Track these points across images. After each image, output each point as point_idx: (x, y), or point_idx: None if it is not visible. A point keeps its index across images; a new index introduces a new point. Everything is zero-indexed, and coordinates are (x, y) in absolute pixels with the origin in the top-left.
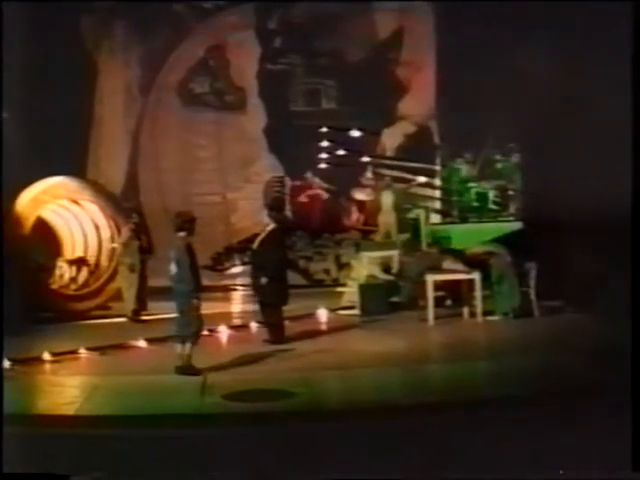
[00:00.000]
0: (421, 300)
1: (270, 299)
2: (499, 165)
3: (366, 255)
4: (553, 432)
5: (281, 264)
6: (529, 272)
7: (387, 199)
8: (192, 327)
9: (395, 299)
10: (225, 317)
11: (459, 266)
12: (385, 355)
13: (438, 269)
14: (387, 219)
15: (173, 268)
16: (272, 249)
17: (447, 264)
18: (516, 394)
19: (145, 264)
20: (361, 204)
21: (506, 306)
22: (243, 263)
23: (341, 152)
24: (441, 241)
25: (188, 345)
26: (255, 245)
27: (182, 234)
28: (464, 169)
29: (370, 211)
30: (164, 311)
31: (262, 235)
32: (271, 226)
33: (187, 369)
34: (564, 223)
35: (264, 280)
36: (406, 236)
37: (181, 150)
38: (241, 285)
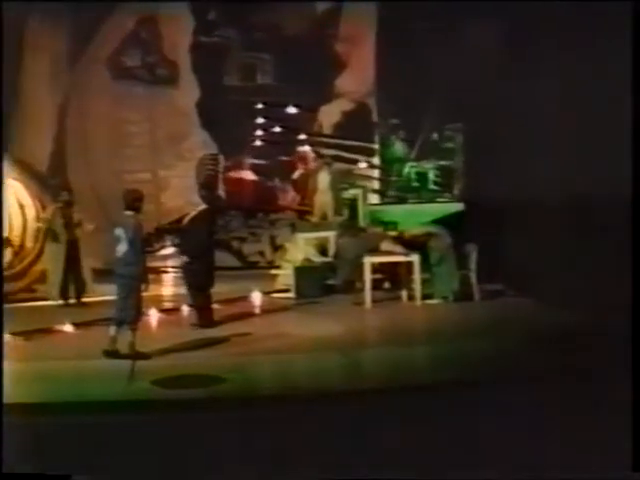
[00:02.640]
0: (358, 283)
1: (197, 281)
2: (440, 145)
3: (302, 236)
4: (489, 417)
5: (209, 245)
6: (470, 254)
7: (324, 178)
8: (132, 311)
9: (331, 282)
10: (156, 300)
11: (397, 248)
12: (320, 339)
13: (376, 251)
14: (324, 199)
15: (122, 248)
16: (200, 230)
17: (385, 246)
18: (455, 379)
19: (77, 244)
20: (297, 183)
21: (446, 289)
22: (174, 244)
23: (277, 129)
24: (379, 222)
25: (129, 331)
26: (183, 225)
27: (131, 213)
28: (403, 148)
29: (306, 191)
30: (95, 294)
31: (191, 215)
32: (201, 206)
33: (133, 355)
34: (506, 205)
35: (188, 261)
36: (343, 217)
37: (110, 125)
38: (172, 267)
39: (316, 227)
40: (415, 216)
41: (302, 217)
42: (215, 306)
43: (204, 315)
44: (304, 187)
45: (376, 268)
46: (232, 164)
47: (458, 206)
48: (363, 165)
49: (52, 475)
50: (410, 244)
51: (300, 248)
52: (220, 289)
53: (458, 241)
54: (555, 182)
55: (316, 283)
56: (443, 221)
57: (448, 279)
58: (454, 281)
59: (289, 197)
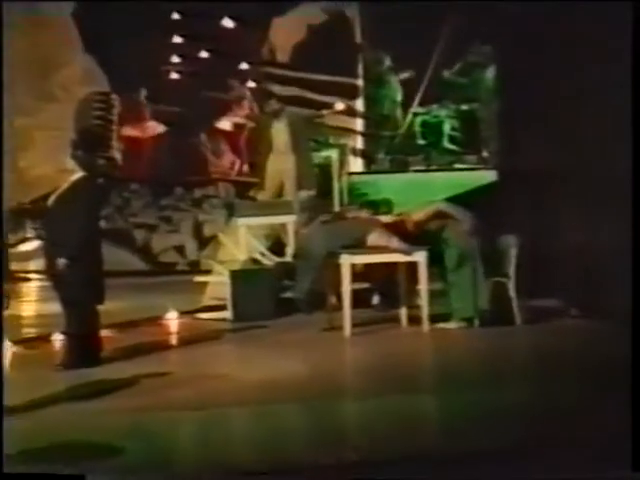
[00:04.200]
0: (331, 296)
1: (74, 294)
2: (460, 80)
3: (244, 223)
4: None
5: (92, 237)
6: (507, 252)
7: (279, 133)
8: None
9: (290, 294)
10: (11, 325)
11: (393, 241)
12: (271, 386)
13: (359, 246)
14: (278, 165)
15: None
16: (77, 212)
17: (374, 238)
18: (478, 448)
19: None
20: (236, 140)
21: (469, 307)
22: (38, 235)
23: (203, 54)
24: (366, 201)
25: None
26: (50, 206)
27: None
28: (403, 85)
29: (251, 152)
30: None
31: (62, 189)
32: (77, 174)
33: None
34: (564, 175)
35: (62, 263)
36: (309, 193)
37: None
38: (36, 272)
39: (267, 209)
40: (421, 191)
41: (244, 193)
42: (106, 333)
43: (87, 347)
44: (247, 146)
45: (360, 273)
46: (133, 109)
47: (489, 176)
48: (340, 109)
49: (65, 475)
50: (413, 235)
51: (241, 242)
52: (114, 306)
53: (489, 231)
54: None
55: (266, 297)
56: (465, 199)
57: (472, 290)
58: (482, 294)
59: (224, 162)
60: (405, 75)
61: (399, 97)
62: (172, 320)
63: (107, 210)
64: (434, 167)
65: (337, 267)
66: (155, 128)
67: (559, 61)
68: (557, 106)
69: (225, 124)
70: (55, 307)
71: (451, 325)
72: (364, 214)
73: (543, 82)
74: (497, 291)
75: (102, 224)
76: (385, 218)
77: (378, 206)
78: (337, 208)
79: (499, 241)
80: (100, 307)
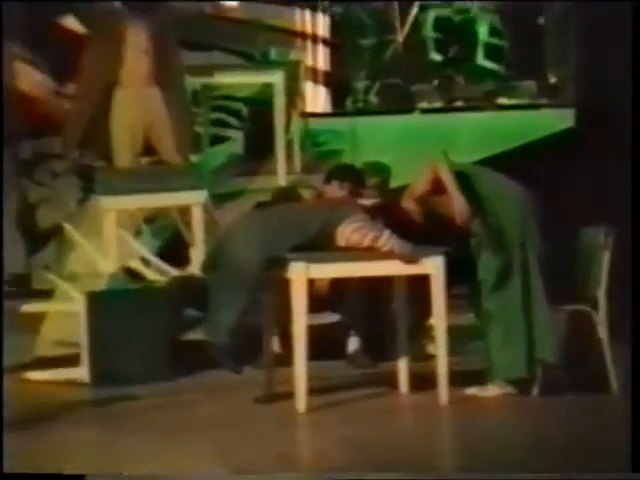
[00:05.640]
0: (272, 339)
1: None
2: None
3: (111, 205)
4: None
5: None
6: (592, 257)
7: (135, 49)
8: None
9: (197, 335)
10: None
11: (384, 237)
12: None
13: (324, 247)
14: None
15: None
16: None
17: (350, 232)
18: None
19: None
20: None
21: (520, 359)
22: None
23: None
24: (336, 166)
25: None
26: None
27: None
28: None
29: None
30: None
31: None
32: None
33: None
34: None
35: None
36: (230, 148)
37: None
38: None
39: (153, 179)
40: (436, 146)
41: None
42: None
43: None
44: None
45: (325, 295)
46: None
47: (560, 119)
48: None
49: (65, 475)
50: (418, 227)
51: (107, 239)
52: None
53: (560, 221)
54: None
55: (152, 340)
56: (514, 159)
57: (527, 329)
58: (545, 334)
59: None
60: None
61: None
62: None
63: None
64: (459, 104)
65: (284, 285)
66: None
67: None
68: None
69: (70, 21)
70: None
71: (490, 392)
72: (332, 189)
73: None
74: (575, 329)
75: None
76: (368, 198)
77: (359, 174)
78: (283, 179)
79: (579, 238)
80: None
